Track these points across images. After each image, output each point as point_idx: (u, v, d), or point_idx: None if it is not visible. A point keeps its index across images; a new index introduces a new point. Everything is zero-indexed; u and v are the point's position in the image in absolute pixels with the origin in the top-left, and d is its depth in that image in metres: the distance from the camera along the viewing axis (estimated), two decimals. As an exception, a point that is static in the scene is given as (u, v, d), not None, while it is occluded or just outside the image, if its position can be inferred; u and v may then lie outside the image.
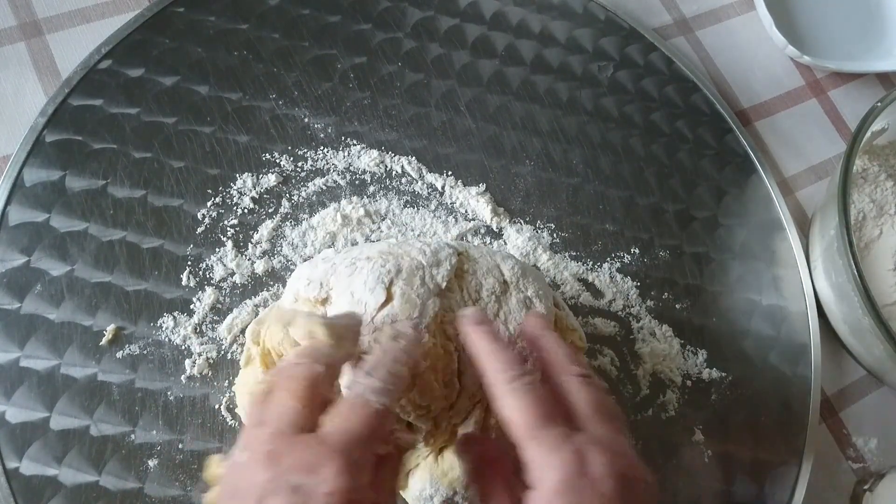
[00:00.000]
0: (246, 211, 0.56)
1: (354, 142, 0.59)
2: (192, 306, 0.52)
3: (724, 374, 0.58)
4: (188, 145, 0.57)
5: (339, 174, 0.58)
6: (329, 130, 0.59)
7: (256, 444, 0.31)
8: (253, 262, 0.54)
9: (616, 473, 0.32)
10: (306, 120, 0.59)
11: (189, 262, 0.53)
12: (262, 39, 0.61)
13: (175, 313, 0.52)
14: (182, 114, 0.57)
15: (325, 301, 0.43)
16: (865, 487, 0.57)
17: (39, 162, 0.54)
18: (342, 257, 0.45)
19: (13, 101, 0.57)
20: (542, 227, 0.60)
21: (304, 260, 0.55)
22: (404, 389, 0.35)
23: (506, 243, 0.58)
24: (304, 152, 0.58)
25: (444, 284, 0.42)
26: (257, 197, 0.56)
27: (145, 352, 0.50)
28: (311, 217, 0.56)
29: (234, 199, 0.56)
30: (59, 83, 0.57)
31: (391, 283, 0.41)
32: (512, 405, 0.33)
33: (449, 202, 0.59)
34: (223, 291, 0.53)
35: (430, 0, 0.66)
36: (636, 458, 0.34)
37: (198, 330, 0.52)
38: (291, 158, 0.58)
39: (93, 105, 0.56)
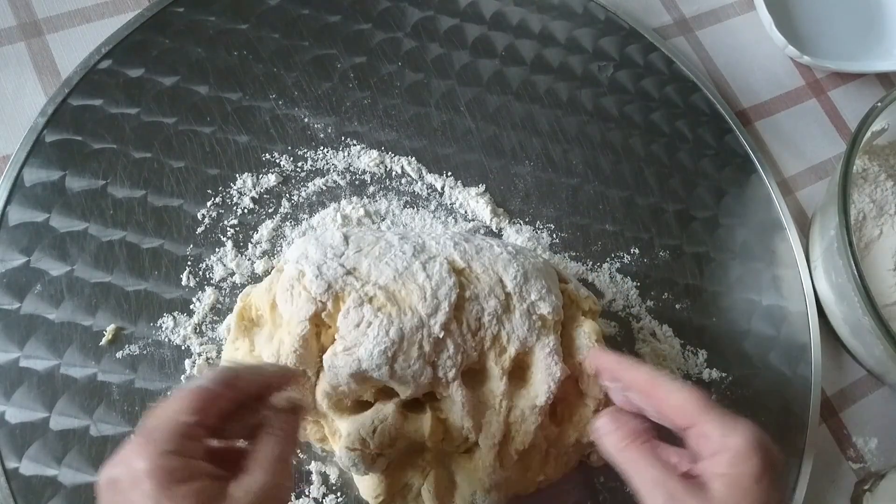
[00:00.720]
0: (246, 211, 0.56)
1: (354, 142, 0.59)
2: (192, 306, 0.52)
3: (724, 375, 0.58)
4: (188, 145, 0.57)
5: (338, 174, 0.58)
6: (329, 130, 0.59)
7: None
8: (253, 262, 0.54)
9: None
10: (306, 120, 0.59)
11: (189, 262, 0.53)
12: (261, 39, 0.61)
13: (175, 313, 0.52)
14: (182, 114, 0.57)
15: (323, 309, 0.44)
16: (865, 487, 0.57)
17: (39, 162, 0.54)
18: (352, 260, 0.45)
19: (13, 101, 0.57)
20: (541, 227, 0.60)
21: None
22: None
23: (506, 243, 0.58)
24: (304, 152, 0.58)
25: (441, 335, 0.43)
26: (257, 197, 0.56)
27: (145, 352, 0.50)
28: (311, 217, 0.56)
29: (234, 199, 0.56)
30: (59, 83, 0.57)
31: (394, 357, 0.42)
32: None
33: (448, 203, 0.59)
34: (223, 291, 0.53)
35: (430, 0, 0.66)
36: None
37: (198, 330, 0.52)
38: (291, 158, 0.58)
39: (93, 105, 0.56)
